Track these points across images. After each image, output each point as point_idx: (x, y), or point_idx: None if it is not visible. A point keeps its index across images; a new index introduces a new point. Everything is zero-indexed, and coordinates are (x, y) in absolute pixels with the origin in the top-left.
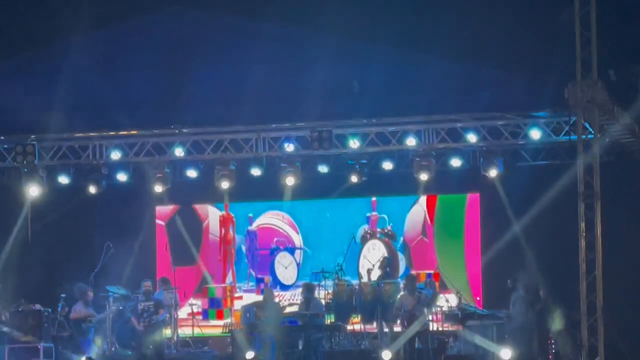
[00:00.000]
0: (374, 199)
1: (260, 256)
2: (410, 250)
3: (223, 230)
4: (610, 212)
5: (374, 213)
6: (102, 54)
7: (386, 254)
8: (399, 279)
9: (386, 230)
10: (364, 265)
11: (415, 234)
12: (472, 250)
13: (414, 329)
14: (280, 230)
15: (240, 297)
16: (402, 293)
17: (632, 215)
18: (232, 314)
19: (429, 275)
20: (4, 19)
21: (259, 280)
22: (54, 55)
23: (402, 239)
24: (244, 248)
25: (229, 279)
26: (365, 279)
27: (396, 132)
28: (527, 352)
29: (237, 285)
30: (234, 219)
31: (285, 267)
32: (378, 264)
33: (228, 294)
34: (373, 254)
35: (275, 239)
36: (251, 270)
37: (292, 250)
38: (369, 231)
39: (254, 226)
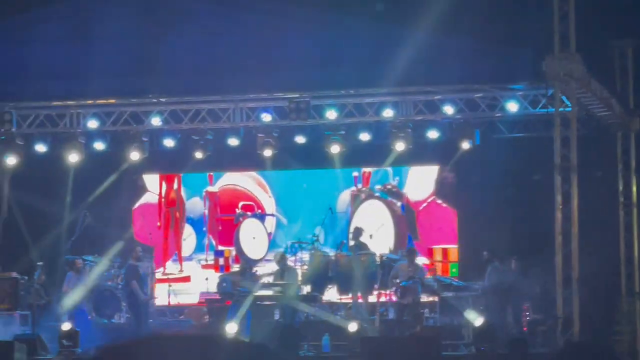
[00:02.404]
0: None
1: (222, 224)
2: (415, 216)
3: (164, 187)
4: (586, 185)
5: (366, 169)
6: (79, 22)
7: (391, 218)
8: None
9: (389, 187)
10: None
11: (424, 195)
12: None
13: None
14: (248, 192)
15: (187, 279)
16: (400, 263)
17: (608, 188)
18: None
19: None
20: None
21: (218, 253)
22: (31, 23)
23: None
24: (205, 212)
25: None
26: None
27: (373, 104)
28: (502, 323)
29: (191, 258)
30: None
31: (253, 238)
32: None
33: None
34: (369, 219)
35: (241, 203)
36: (212, 239)
37: (262, 217)
38: (362, 189)
39: (215, 187)
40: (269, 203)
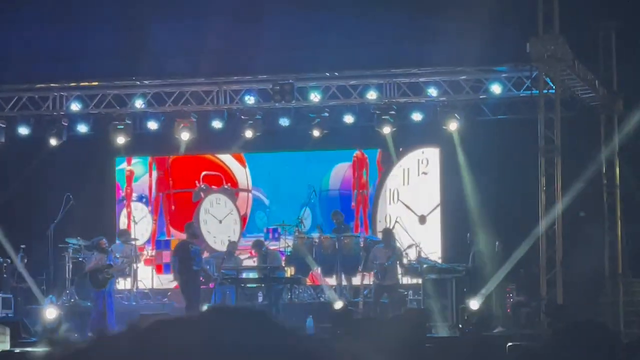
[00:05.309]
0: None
1: (176, 202)
2: None
3: None
4: (570, 167)
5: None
6: (63, 4)
7: None
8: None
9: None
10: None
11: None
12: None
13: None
14: (213, 159)
15: None
16: (377, 246)
17: (592, 170)
18: None
19: None
20: None
21: (161, 245)
22: (13, 4)
23: None
24: (151, 186)
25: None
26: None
27: (357, 86)
28: (486, 305)
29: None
30: None
31: (220, 221)
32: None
33: None
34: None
35: (202, 173)
36: (165, 222)
37: (232, 193)
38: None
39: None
40: (242, 175)
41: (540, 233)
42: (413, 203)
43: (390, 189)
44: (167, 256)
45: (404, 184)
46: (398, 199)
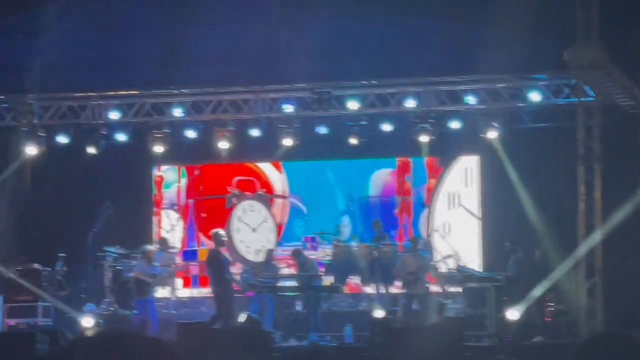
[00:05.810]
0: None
1: (207, 208)
2: None
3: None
4: (609, 175)
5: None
6: (101, 13)
7: None
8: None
9: None
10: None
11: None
12: None
13: (414, 291)
14: (246, 165)
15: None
16: (404, 254)
17: (631, 178)
18: None
19: None
20: None
21: (188, 255)
22: (52, 14)
23: None
24: (179, 191)
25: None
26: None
27: (395, 94)
28: (525, 314)
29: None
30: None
31: (253, 229)
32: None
33: None
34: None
35: (235, 179)
36: (195, 230)
37: (266, 199)
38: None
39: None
40: (279, 181)
41: (579, 241)
42: (476, 207)
43: (449, 193)
44: (194, 269)
45: (466, 186)
46: (459, 204)
